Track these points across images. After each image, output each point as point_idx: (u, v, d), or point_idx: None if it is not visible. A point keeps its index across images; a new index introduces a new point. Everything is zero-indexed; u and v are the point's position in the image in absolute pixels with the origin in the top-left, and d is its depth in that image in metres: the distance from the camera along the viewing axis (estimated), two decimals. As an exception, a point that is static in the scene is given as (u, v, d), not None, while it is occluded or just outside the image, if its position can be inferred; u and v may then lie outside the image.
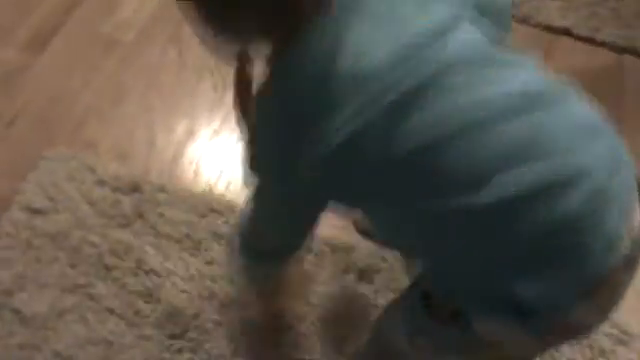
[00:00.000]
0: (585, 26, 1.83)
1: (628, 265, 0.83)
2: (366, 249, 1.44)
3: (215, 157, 1.61)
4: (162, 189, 1.52)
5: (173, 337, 1.33)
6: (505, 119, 0.80)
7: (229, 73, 1.70)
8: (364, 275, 1.41)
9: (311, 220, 0.98)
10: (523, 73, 0.85)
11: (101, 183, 1.52)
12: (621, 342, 1.35)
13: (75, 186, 1.51)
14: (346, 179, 0.85)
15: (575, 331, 0.89)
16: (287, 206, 0.95)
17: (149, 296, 1.37)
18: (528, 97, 0.82)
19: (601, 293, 0.83)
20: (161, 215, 1.48)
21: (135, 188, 1.51)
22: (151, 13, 1.84)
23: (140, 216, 1.47)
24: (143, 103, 1.69)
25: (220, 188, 1.55)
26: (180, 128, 1.65)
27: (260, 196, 0.97)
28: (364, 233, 1.46)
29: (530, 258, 0.80)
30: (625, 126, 0.95)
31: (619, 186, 0.82)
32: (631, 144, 0.86)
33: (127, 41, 1.80)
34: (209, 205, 1.49)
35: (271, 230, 1.02)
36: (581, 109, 0.84)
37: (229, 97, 1.70)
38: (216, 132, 1.65)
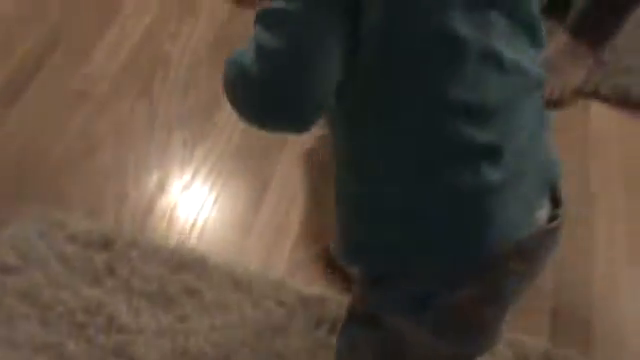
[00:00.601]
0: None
1: (524, 257, 0.85)
2: (338, 300, 1.45)
3: (186, 211, 1.62)
4: (134, 244, 1.52)
5: (146, 395, 1.33)
6: (501, 75, 0.82)
7: (199, 128, 1.74)
8: (336, 327, 1.42)
9: (331, 44, 0.81)
10: (532, 50, 0.87)
11: (72, 239, 1.52)
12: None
13: (46, 243, 1.51)
14: None
15: (471, 322, 0.89)
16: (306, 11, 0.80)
17: (121, 354, 1.37)
18: (529, 76, 0.85)
19: (492, 278, 0.85)
20: (133, 270, 1.48)
21: (107, 243, 1.51)
22: (121, 65, 1.84)
23: (112, 272, 1.47)
24: (114, 156, 1.70)
25: (192, 242, 1.56)
26: (151, 182, 1.66)
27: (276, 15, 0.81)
28: (334, 265, 1.47)
29: (431, 221, 0.83)
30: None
31: (534, 180, 0.85)
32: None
33: (97, 94, 1.81)
34: (181, 259, 1.50)
35: (285, 57, 0.80)
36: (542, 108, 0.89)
37: (199, 151, 1.74)
38: (186, 186, 1.66)
